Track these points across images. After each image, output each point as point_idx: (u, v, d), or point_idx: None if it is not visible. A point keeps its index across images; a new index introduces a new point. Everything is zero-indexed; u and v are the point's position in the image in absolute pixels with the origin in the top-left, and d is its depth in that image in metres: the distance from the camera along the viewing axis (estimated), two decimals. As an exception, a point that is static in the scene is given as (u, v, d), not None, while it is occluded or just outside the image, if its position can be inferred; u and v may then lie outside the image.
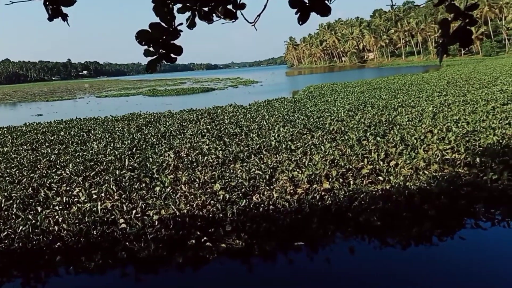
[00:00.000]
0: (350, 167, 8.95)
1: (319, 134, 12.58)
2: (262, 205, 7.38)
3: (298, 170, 8.97)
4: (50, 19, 3.15)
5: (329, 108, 19.31)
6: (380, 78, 43.00)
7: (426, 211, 6.92)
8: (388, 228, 6.70)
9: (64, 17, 3.17)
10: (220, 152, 10.91)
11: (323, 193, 7.73)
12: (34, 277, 5.94)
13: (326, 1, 2.72)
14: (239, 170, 9.30)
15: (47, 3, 3.06)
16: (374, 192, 7.65)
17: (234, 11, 3.03)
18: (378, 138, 11.30)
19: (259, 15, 3.16)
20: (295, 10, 2.72)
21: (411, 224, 6.69)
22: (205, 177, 8.77)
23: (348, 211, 7.10)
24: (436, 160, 8.92)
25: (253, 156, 10.60)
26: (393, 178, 8.17)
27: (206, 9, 3.12)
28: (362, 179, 8.34)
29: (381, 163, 9.08)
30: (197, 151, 11.26)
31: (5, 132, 18.74)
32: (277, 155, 10.46)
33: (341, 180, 8.33)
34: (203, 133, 14.65)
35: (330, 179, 8.32)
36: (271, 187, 8.23)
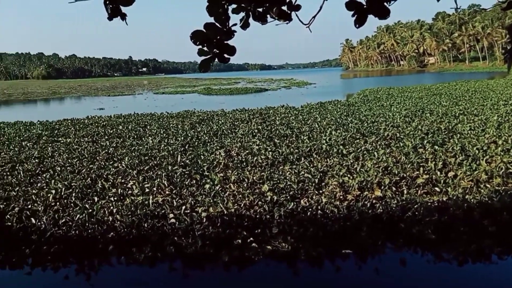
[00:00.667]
0: (404, 175, 8.61)
1: (372, 140, 12.23)
2: (310, 209, 7.27)
3: (349, 175, 8.75)
4: (110, 18, 3.24)
5: (384, 113, 18.73)
6: (440, 84, 41.09)
7: (486, 227, 6.48)
8: (444, 242, 6.35)
9: (123, 16, 3.25)
10: (270, 153, 10.89)
11: (374, 201, 7.48)
12: (88, 264, 6.21)
13: (385, 3, 2.60)
14: (288, 172, 9.23)
15: (107, 2, 3.15)
16: (429, 204, 7.29)
17: (289, 12, 2.98)
18: (436, 147, 10.78)
19: (314, 17, 3.08)
20: (352, 12, 2.63)
21: (469, 239, 6.30)
22: (254, 178, 8.78)
23: (401, 222, 6.82)
24: (499, 173, 8.36)
25: (303, 158, 10.49)
26: (451, 190, 7.75)
27: (260, 10, 3.09)
28: (417, 189, 7.98)
29: (438, 173, 8.65)
30: (247, 151, 11.31)
31: (69, 124, 19.89)
32: (328, 159, 10.27)
33: (394, 188, 8.03)
34: (254, 133, 14.71)
35: (382, 187, 8.04)
36: (320, 191, 8.09)
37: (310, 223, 6.81)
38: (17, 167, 10.58)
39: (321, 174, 8.96)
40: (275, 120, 18.24)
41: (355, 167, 9.35)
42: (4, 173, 10.01)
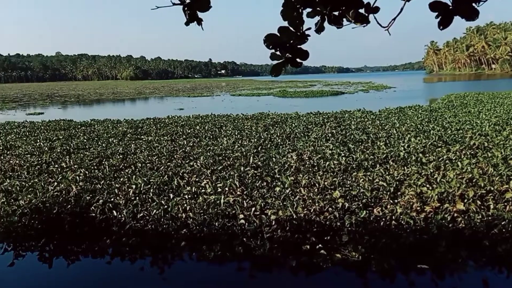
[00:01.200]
0: (492, 188, 7.90)
1: (456, 148, 11.41)
2: (384, 219, 6.95)
3: (428, 185, 8.23)
4: (187, 23, 3.37)
5: (471, 120, 17.41)
6: (538, 89, 37.34)
7: None
8: (535, 266, 5.73)
9: (199, 21, 3.35)
10: (343, 158, 10.62)
11: (455, 215, 6.95)
12: (161, 258, 6.50)
13: (474, 4, 2.38)
14: (362, 179, 8.93)
15: (185, 8, 3.27)
16: (519, 221, 6.62)
17: (367, 14, 2.86)
18: (530, 159, 9.77)
19: (394, 19, 2.92)
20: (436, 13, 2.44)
21: None
22: (325, 183, 8.61)
23: (485, 239, 6.27)
24: None
25: (378, 165, 10.09)
26: (546, 208, 6.97)
27: (336, 13, 3.01)
28: (505, 204, 7.28)
29: (532, 188, 7.82)
30: (319, 155, 11.14)
31: (151, 122, 21.08)
32: (405, 167, 9.77)
33: (479, 202, 7.40)
34: (328, 137, 14.46)
35: (465, 200, 7.45)
36: (395, 201, 7.70)
37: (383, 233, 6.51)
38: (103, 162, 11.42)
39: (397, 182, 8.54)
40: (350, 125, 17.79)
41: (435, 177, 8.78)
42: (92, 167, 10.85)
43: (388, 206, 7.45)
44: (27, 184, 9.14)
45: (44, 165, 11.29)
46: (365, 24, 2.84)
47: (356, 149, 12.01)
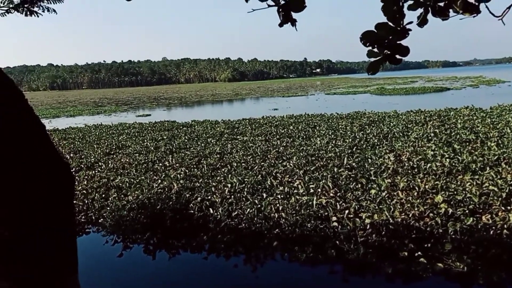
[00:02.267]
0: None
1: None
2: (494, 227, 6.29)
3: (549, 192, 7.26)
4: (281, 25, 3.36)
5: None
6: None
7: None
8: None
9: (293, 22, 3.33)
10: (447, 160, 9.83)
11: None
12: (254, 256, 6.63)
13: None
14: (468, 183, 8.17)
15: (280, 10, 3.27)
16: None
17: (477, 4, 2.59)
18: None
19: (509, 8, 2.61)
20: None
21: None
22: (426, 186, 8.05)
23: None
24: None
25: (488, 168, 9.16)
26: None
27: (441, 4, 2.77)
28: None
29: None
30: (420, 156, 10.46)
31: (247, 123, 21.68)
32: (521, 171, 8.73)
33: None
34: (430, 137, 13.52)
35: None
36: (508, 208, 6.92)
37: (493, 243, 5.89)
38: (202, 161, 12.02)
39: (510, 187, 7.67)
40: (456, 123, 16.44)
41: (558, 182, 7.72)
42: (192, 166, 11.48)
43: (499, 214, 6.72)
44: (135, 181, 9.99)
45: (150, 163, 12.24)
46: (475, 15, 2.59)
47: (463, 150, 11.05)
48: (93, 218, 8.34)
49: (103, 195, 9.22)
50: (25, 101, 1.99)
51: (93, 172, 11.63)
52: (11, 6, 5.70)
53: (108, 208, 8.27)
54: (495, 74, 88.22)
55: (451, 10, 2.69)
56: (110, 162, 12.85)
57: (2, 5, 5.73)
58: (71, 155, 14.56)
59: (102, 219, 8.04)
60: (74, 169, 11.81)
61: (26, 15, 5.71)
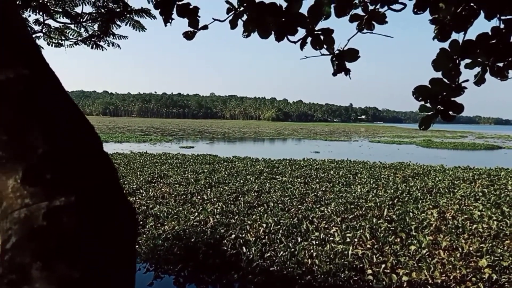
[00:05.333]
0: None
1: None
2: (545, 302, 5.81)
3: None
4: (335, 74, 3.42)
5: None
6: None
7: None
8: None
9: (347, 71, 3.38)
10: (495, 222, 9.31)
11: None
12: (283, 302, 6.44)
13: None
14: (518, 250, 7.66)
15: (334, 59, 3.34)
16: None
17: (537, 66, 2.55)
18: None
19: None
20: None
21: None
22: (470, 248, 7.62)
23: None
24: None
25: (540, 236, 8.58)
26: None
27: (500, 64, 2.75)
28: None
29: None
30: (465, 216, 9.97)
31: (287, 164, 21.64)
32: None
33: None
34: (477, 197, 12.90)
35: None
36: (562, 282, 6.39)
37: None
38: (239, 198, 12.05)
39: None
40: (506, 184, 15.62)
41: None
42: (229, 202, 11.52)
43: (552, 288, 6.21)
44: (172, 212, 10.14)
45: (188, 195, 12.42)
46: (534, 78, 2.55)
47: (512, 214, 10.43)
48: (129, 243, 8.46)
49: (141, 222, 9.39)
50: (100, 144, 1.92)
51: (134, 198, 11.92)
52: (79, 38, 6.15)
53: (144, 236, 8.39)
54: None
55: (510, 71, 2.66)
56: (151, 190, 13.15)
57: (70, 37, 6.20)
58: (115, 179, 15.01)
59: (137, 246, 8.15)
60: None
61: (92, 48, 6.14)
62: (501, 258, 7.20)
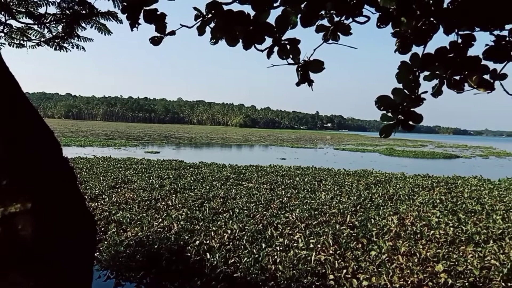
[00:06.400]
0: None
1: None
2: (496, 305, 6.09)
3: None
4: (298, 84, 3.48)
5: None
6: None
7: None
8: None
9: (310, 82, 3.45)
10: (451, 229, 9.69)
11: None
12: (247, 308, 6.43)
13: None
14: (470, 255, 8.01)
15: (299, 69, 3.40)
16: None
17: (492, 81, 2.70)
18: None
19: (523, 86, 2.71)
20: None
21: None
22: (428, 254, 7.89)
23: None
24: None
25: (491, 241, 9.00)
26: None
27: (457, 77, 2.89)
28: None
29: None
30: (424, 222, 10.32)
31: (254, 170, 21.69)
32: (527, 248, 8.54)
33: None
34: (435, 204, 13.39)
35: None
36: (508, 284, 6.72)
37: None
38: (204, 204, 11.97)
39: (513, 264, 7.48)
40: (463, 192, 16.30)
41: None
42: (194, 208, 11.42)
43: (502, 291, 6.52)
44: (136, 218, 9.94)
45: (153, 201, 12.21)
46: (489, 91, 2.69)
47: (467, 220, 10.89)
48: (89, 250, 8.22)
49: (103, 229, 9.15)
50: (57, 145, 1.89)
51: (96, 204, 11.61)
52: (42, 40, 5.96)
53: (106, 243, 8.18)
54: (506, 147, 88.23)
55: (466, 84, 2.79)
56: (114, 195, 12.84)
57: (33, 38, 6.00)
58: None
59: (98, 253, 7.93)
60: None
61: (55, 49, 5.96)
62: (456, 263, 7.49)
